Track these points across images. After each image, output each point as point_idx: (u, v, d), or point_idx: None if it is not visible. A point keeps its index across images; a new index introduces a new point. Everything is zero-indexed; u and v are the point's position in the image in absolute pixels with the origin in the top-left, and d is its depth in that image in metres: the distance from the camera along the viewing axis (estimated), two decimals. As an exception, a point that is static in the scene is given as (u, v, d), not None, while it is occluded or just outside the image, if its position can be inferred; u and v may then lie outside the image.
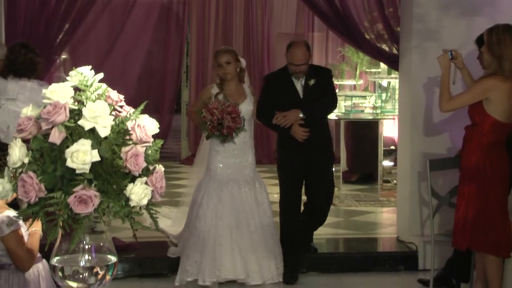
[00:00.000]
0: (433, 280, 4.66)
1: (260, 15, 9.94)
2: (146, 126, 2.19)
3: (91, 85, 2.20)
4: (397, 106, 6.79)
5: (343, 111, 8.23)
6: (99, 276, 2.18)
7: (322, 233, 5.44)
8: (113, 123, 2.14)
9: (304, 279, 5.02)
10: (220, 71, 4.95)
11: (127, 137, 2.16)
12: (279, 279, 4.88)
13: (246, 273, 4.79)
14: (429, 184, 4.62)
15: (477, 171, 4.20)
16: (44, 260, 3.22)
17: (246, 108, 4.96)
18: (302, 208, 5.17)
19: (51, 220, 2.11)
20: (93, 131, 2.10)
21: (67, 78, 2.24)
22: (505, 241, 4.17)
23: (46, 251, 2.32)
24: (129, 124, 2.17)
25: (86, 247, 2.19)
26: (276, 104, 4.99)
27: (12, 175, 2.16)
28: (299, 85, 5.01)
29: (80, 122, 2.10)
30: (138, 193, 2.10)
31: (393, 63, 5.90)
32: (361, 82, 9.00)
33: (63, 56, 6.82)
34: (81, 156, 2.04)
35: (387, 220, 6.54)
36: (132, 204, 2.11)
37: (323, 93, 5.02)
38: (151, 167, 2.18)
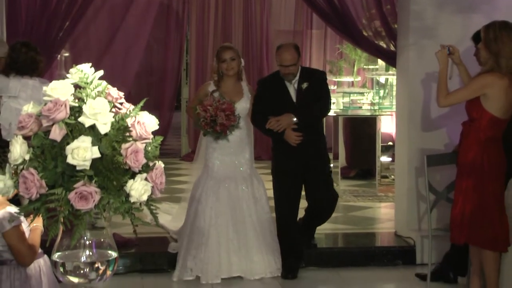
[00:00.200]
0: (431, 274, 4.67)
1: (259, 13, 9.98)
2: (145, 123, 2.21)
3: (91, 82, 2.22)
4: (394, 103, 6.80)
5: (341, 107, 8.25)
6: (100, 272, 2.21)
7: (321, 228, 5.46)
8: (113, 120, 2.16)
9: (303, 274, 5.03)
10: (223, 66, 4.96)
11: (127, 134, 2.17)
12: (277, 273, 4.91)
13: (243, 271, 4.83)
14: (427, 180, 4.64)
15: (474, 166, 4.21)
16: (45, 256, 3.22)
17: (242, 106, 4.95)
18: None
19: (52, 216, 2.13)
20: (93, 128, 2.12)
21: (68, 75, 2.26)
22: (502, 236, 4.19)
23: (47, 247, 2.34)
24: (129, 121, 2.18)
25: (87, 242, 2.22)
26: (269, 109, 4.94)
27: (13, 171, 2.18)
28: (292, 88, 4.97)
29: (80, 119, 2.12)
30: (138, 189, 2.12)
31: (391, 59, 5.92)
32: (359, 79, 9.01)
33: (65, 54, 6.83)
34: (82, 152, 2.06)
35: (385, 215, 6.55)
36: (132, 200, 2.13)
37: (317, 96, 4.96)
38: (151, 164, 2.21)
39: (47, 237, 2.21)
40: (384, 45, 5.96)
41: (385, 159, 8.22)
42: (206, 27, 9.90)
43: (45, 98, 2.18)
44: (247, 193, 4.94)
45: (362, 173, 8.23)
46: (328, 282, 5.01)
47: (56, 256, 2.22)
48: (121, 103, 2.26)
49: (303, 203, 5.13)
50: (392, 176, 7.56)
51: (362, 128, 8.06)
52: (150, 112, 2.28)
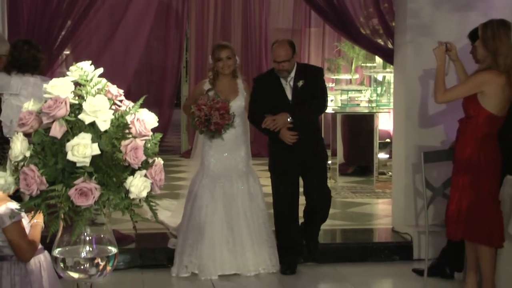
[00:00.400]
0: (428, 270, 4.70)
1: (258, 11, 10.03)
2: (145, 120, 2.21)
3: (91, 80, 2.22)
4: (392, 100, 6.84)
5: (340, 104, 8.28)
6: (100, 267, 2.21)
7: (319, 224, 5.49)
8: (112, 117, 2.16)
9: (301, 269, 5.06)
10: (219, 65, 4.96)
11: (127, 131, 2.18)
12: (273, 270, 4.93)
13: (237, 268, 4.84)
14: (424, 176, 4.67)
15: (471, 163, 4.24)
16: (45, 252, 3.23)
17: (237, 104, 4.94)
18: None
19: (53, 212, 2.14)
20: (93, 125, 2.13)
21: (68, 73, 2.26)
22: (498, 232, 4.21)
23: (48, 243, 2.34)
24: (129, 118, 2.19)
25: (87, 238, 2.22)
26: (266, 107, 4.92)
27: (14, 168, 2.18)
28: (287, 86, 4.94)
29: (80, 116, 2.13)
30: (137, 185, 2.13)
31: (388, 57, 5.94)
32: (357, 76, 9.04)
33: (66, 52, 6.83)
34: (82, 149, 2.06)
35: (383, 211, 6.57)
36: (131, 196, 2.14)
37: (313, 94, 4.92)
38: (150, 160, 2.21)
39: (47, 233, 2.22)
40: (382, 43, 5.99)
41: (382, 155, 8.26)
42: (205, 25, 9.95)
43: (46, 95, 2.17)
44: (242, 190, 4.95)
45: (360, 170, 8.27)
46: (326, 278, 5.03)
47: (56, 251, 2.23)
48: (120, 101, 2.26)
49: (302, 200, 5.14)
50: (390, 173, 7.59)
51: (360, 125, 8.09)
52: (150, 109, 2.28)
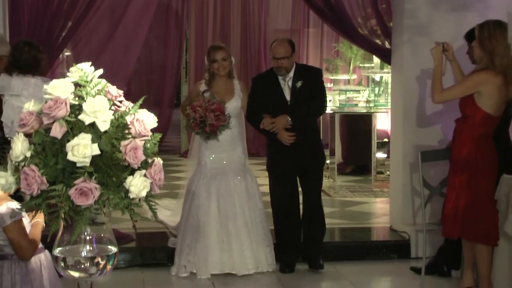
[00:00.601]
0: (425, 268, 4.71)
1: (257, 12, 10.07)
2: (144, 120, 2.22)
3: (91, 80, 2.23)
4: (389, 100, 6.86)
5: (338, 105, 8.33)
6: (100, 266, 2.23)
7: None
8: (112, 117, 2.17)
9: (300, 268, 5.07)
10: (215, 66, 4.95)
11: (126, 131, 2.19)
12: (269, 268, 4.94)
13: (234, 267, 4.85)
14: (421, 175, 4.68)
15: (468, 162, 4.26)
16: (46, 251, 3.23)
17: (233, 105, 4.93)
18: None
19: (53, 212, 2.15)
20: (93, 125, 2.14)
21: (68, 74, 2.27)
22: (494, 230, 4.24)
23: (48, 242, 2.36)
24: (128, 119, 2.20)
25: (87, 238, 2.24)
26: (264, 107, 4.92)
27: (14, 168, 2.20)
28: (286, 86, 4.93)
29: (80, 117, 2.14)
30: (137, 185, 2.14)
31: (386, 57, 5.95)
32: (355, 76, 9.06)
33: (66, 53, 6.84)
34: (82, 149, 2.08)
35: (381, 210, 6.59)
36: (131, 196, 2.15)
37: (311, 95, 4.91)
38: (149, 160, 2.22)
39: (48, 232, 2.23)
40: (380, 43, 6.01)
41: (380, 155, 8.28)
42: (205, 26, 9.98)
43: (46, 96, 2.18)
44: (240, 187, 4.95)
45: (358, 169, 8.30)
46: (324, 276, 5.03)
47: (57, 251, 2.24)
48: (120, 101, 2.27)
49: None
50: (388, 172, 7.62)
51: (358, 125, 8.13)
52: (150, 109, 2.29)
